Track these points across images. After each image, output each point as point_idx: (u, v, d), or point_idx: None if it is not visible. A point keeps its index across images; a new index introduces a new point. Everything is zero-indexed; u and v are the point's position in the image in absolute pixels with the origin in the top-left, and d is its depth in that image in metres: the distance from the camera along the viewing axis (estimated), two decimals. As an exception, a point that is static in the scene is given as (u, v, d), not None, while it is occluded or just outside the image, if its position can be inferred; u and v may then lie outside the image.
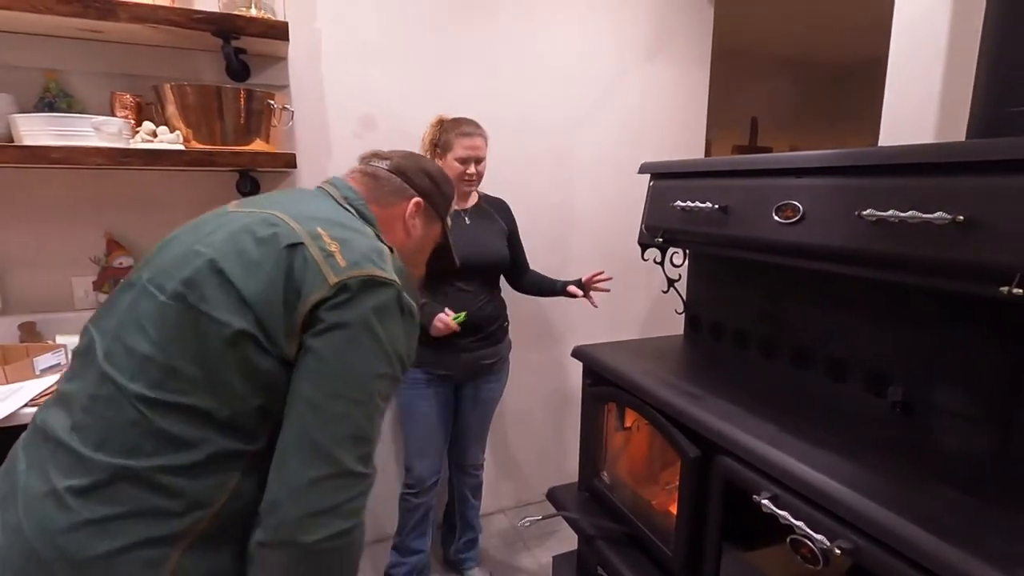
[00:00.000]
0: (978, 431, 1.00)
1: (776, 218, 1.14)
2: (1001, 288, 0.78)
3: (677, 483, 1.55)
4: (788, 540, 0.95)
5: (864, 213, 0.94)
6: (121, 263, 1.61)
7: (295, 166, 1.55)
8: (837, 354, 1.28)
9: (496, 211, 1.77)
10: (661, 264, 1.73)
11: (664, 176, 1.49)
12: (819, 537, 0.86)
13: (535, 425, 2.36)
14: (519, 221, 2.21)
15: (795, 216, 1.10)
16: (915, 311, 1.12)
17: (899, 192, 0.91)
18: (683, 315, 1.76)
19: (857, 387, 1.23)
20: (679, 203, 1.37)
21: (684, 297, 1.75)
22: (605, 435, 1.56)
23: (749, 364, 1.47)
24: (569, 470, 2.47)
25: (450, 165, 1.60)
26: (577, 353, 1.60)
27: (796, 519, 0.90)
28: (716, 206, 1.27)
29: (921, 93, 1.41)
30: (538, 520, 1.49)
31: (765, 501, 0.95)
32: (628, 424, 1.61)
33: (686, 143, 2.41)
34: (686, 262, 1.74)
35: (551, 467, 2.43)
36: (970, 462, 0.97)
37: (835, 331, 1.28)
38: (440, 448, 1.74)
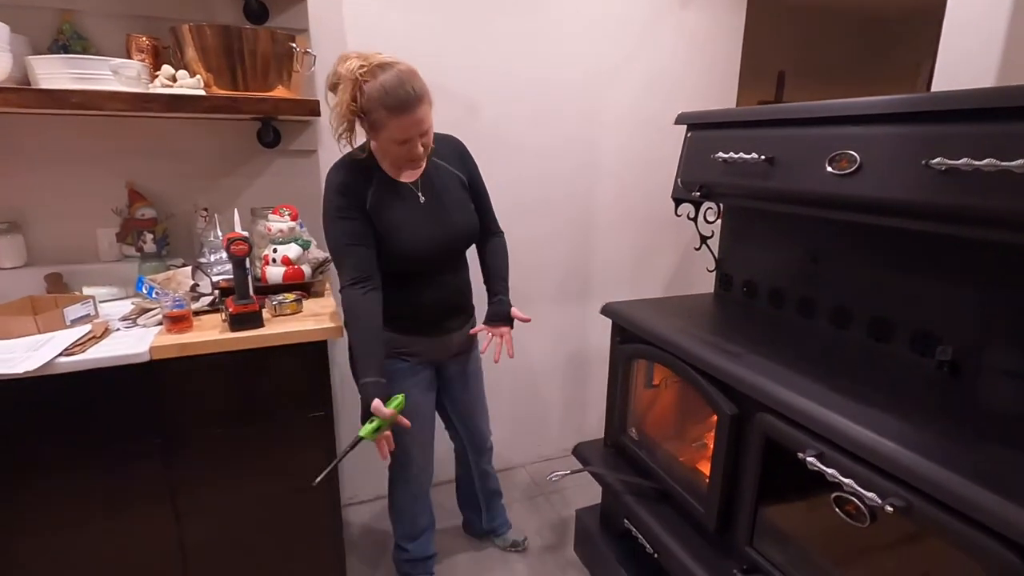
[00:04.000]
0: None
1: (829, 169, 1.08)
2: (1085, 241, 0.74)
3: (707, 440, 1.56)
4: (833, 497, 0.94)
5: (933, 162, 0.88)
6: (144, 214, 1.58)
7: (319, 114, 1.50)
8: (880, 313, 1.24)
9: (448, 160, 1.40)
10: (695, 220, 1.68)
11: (704, 127, 1.43)
12: (870, 495, 0.85)
13: (555, 383, 2.36)
14: (542, 184, 2.14)
15: (850, 167, 1.04)
16: (969, 267, 1.07)
17: (974, 139, 0.85)
18: (713, 273, 1.72)
19: (901, 347, 1.20)
20: (720, 155, 1.31)
21: (715, 254, 1.71)
22: (633, 392, 1.55)
23: (785, 323, 1.43)
24: (589, 428, 2.49)
25: (386, 146, 1.23)
26: (607, 310, 1.57)
27: (844, 477, 0.89)
28: (762, 157, 1.21)
29: (983, 34, 1.31)
30: (567, 474, 1.49)
31: (811, 459, 0.94)
32: (656, 382, 1.59)
33: (717, 97, 2.31)
34: (719, 219, 1.69)
35: (571, 424, 2.45)
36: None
37: (879, 289, 1.24)
38: (433, 435, 1.56)
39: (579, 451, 1.69)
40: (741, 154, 1.25)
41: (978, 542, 0.74)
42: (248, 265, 1.32)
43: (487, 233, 1.53)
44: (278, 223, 1.53)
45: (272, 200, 1.68)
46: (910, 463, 0.82)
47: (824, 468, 0.91)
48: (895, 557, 0.96)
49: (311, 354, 1.33)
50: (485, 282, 1.55)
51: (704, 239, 1.68)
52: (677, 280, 2.42)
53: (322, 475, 1.19)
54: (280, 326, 1.31)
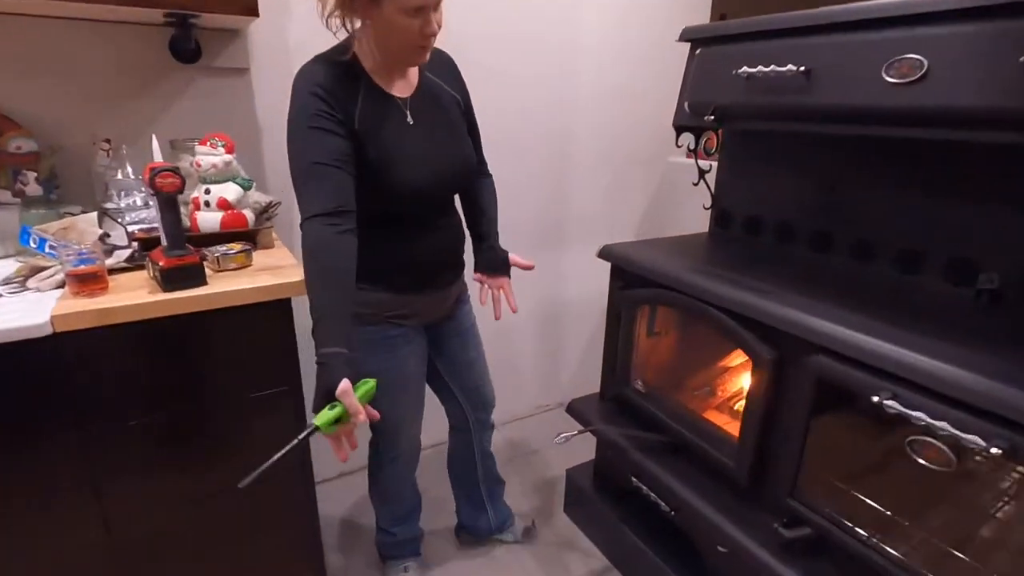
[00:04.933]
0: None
1: (887, 78, 0.95)
2: None
3: (716, 387, 1.47)
4: (908, 441, 0.85)
5: (1034, 58, 0.77)
6: (19, 147, 1.21)
7: (256, 13, 1.19)
8: (907, 243, 1.16)
9: (443, 77, 1.15)
10: (694, 152, 1.54)
11: (719, 40, 1.26)
12: (970, 437, 0.75)
13: (526, 337, 2.21)
14: (514, 118, 1.89)
15: (915, 73, 0.92)
16: (1008, 186, 1.00)
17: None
18: (708, 212, 1.61)
19: (933, 277, 1.13)
20: (745, 70, 1.15)
21: (711, 190, 1.58)
22: (636, 341, 1.42)
23: (798, 259, 1.34)
24: (564, 383, 2.37)
25: (391, 23, 0.95)
26: (606, 254, 1.41)
27: (936, 419, 0.79)
28: (800, 68, 1.06)
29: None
30: (573, 435, 1.36)
31: (890, 402, 0.84)
32: (658, 329, 1.47)
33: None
34: (716, 151, 1.56)
35: (545, 380, 2.32)
36: None
37: (907, 217, 1.16)
38: (423, 407, 1.35)
39: (575, 409, 1.55)
40: (774, 67, 1.10)
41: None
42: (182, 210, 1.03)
43: (480, 173, 1.31)
44: (209, 156, 1.22)
45: (194, 131, 1.35)
46: (1013, 399, 0.73)
47: (908, 411, 0.82)
48: (962, 499, 0.90)
49: (270, 316, 1.07)
50: (471, 227, 1.33)
51: (702, 173, 1.55)
52: (659, 222, 2.30)
53: (252, 476, 0.81)
54: (227, 283, 1.04)
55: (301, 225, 0.96)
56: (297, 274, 1.08)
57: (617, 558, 1.55)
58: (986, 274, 1.04)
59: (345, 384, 0.85)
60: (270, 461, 0.82)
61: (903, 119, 0.96)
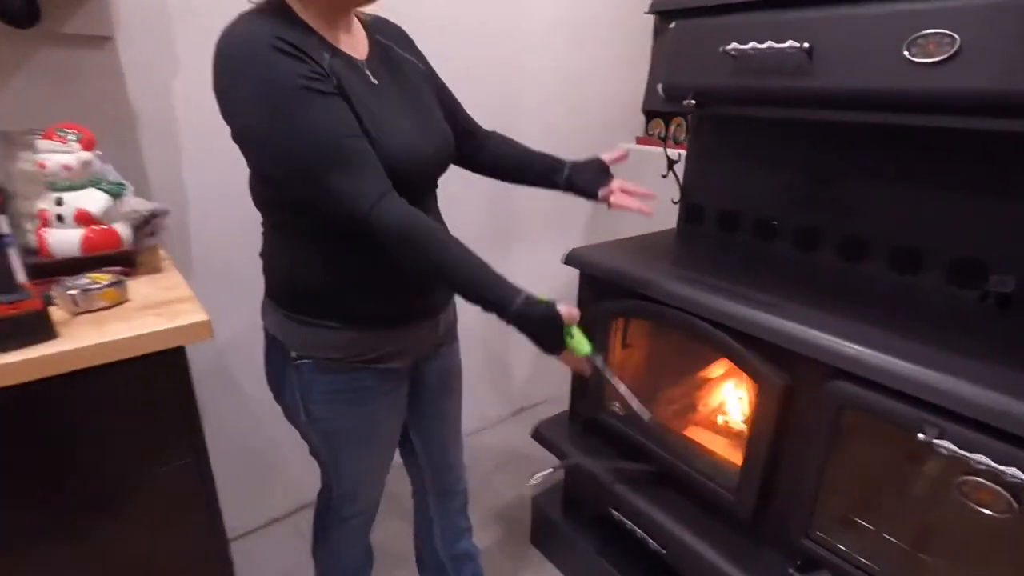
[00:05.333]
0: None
1: (908, 56, 0.82)
2: None
3: (695, 402, 1.34)
4: (958, 484, 0.74)
5: (1104, 34, 0.65)
6: None
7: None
8: (906, 240, 1.07)
9: (399, 45, 0.92)
10: (663, 140, 1.38)
11: (701, 12, 1.09)
12: (1047, 486, 0.64)
13: (474, 346, 1.99)
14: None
15: (944, 52, 0.79)
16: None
17: None
18: (678, 205, 1.46)
19: (934, 278, 1.04)
20: (735, 47, 1.00)
21: (680, 182, 1.44)
22: (611, 357, 1.25)
23: (781, 258, 1.22)
24: (515, 394, 2.20)
25: None
26: (574, 259, 1.23)
27: (1001, 464, 0.67)
28: (802, 46, 0.91)
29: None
30: (549, 473, 1.18)
31: (941, 442, 0.71)
32: (629, 341, 1.31)
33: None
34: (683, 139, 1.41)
35: (494, 392, 2.13)
36: None
37: (904, 212, 1.06)
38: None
39: (543, 436, 1.38)
40: (771, 43, 0.95)
41: None
42: (8, 231, 0.72)
43: (480, 134, 1.05)
44: (58, 154, 0.91)
45: (37, 119, 1.01)
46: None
47: (962, 453, 0.70)
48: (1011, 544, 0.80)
49: (158, 371, 0.80)
50: (540, 177, 1.06)
51: (671, 163, 1.39)
52: (614, 216, 2.14)
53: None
54: (89, 332, 0.75)
55: (368, 215, 0.71)
56: (197, 314, 0.81)
57: (595, 593, 1.40)
58: (998, 276, 0.95)
59: (564, 309, 0.79)
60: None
61: (927, 105, 0.83)
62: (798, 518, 0.93)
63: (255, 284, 0.94)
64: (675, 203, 1.45)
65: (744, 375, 1.18)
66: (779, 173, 1.23)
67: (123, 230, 0.98)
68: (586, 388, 1.30)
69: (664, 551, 1.15)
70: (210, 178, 1.26)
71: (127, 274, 0.92)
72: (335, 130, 0.71)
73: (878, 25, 0.85)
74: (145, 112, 1.18)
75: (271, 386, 0.96)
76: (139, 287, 0.91)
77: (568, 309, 0.80)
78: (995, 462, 0.67)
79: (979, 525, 0.75)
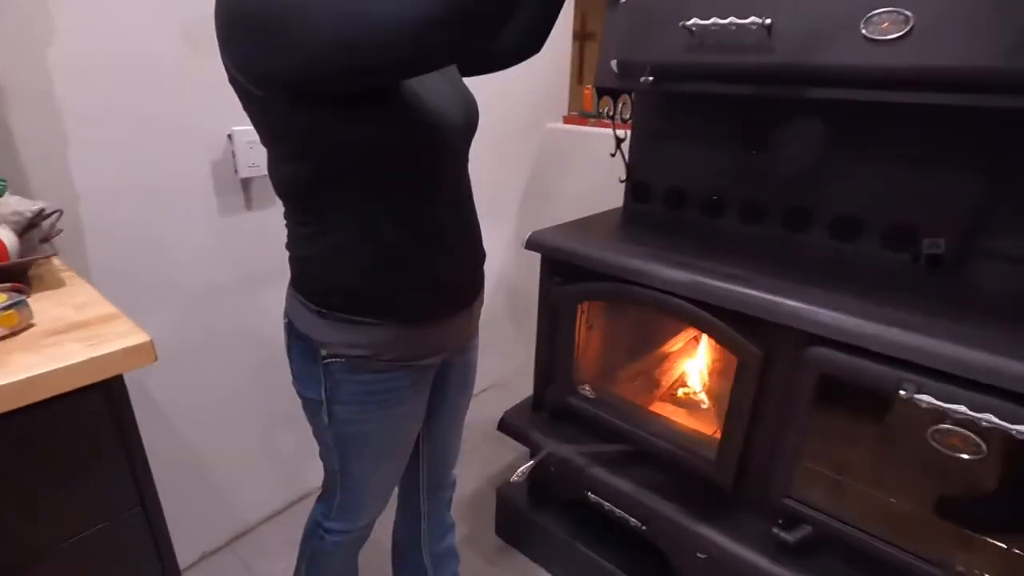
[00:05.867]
0: (1031, 274, 0.96)
1: (865, 33, 0.86)
2: None
3: (657, 377, 1.36)
4: (930, 433, 0.80)
5: (1047, 14, 0.71)
6: None
7: None
8: (845, 210, 1.14)
9: None
10: (612, 118, 1.37)
11: (654, -14, 1.08)
12: (1018, 427, 0.71)
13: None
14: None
15: (898, 30, 0.83)
16: (954, 151, 1.01)
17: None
18: (624, 184, 1.47)
19: (871, 244, 1.13)
20: (696, 22, 0.99)
21: (626, 160, 1.44)
22: (578, 342, 1.24)
23: (729, 232, 1.27)
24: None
25: None
26: (535, 243, 1.19)
27: (977, 412, 0.74)
28: (763, 21, 0.93)
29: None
30: (532, 466, 1.14)
31: (922, 396, 0.77)
32: (591, 323, 1.31)
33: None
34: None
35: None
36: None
37: (844, 184, 1.13)
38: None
39: (510, 425, 1.34)
40: (733, 19, 0.95)
41: None
42: None
43: None
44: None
45: None
46: (1056, 382, 0.69)
47: (946, 406, 0.75)
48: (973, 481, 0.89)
49: (89, 410, 0.65)
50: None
51: (619, 142, 1.39)
52: (543, 196, 2.11)
53: None
54: (-7, 369, 0.59)
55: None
56: (133, 334, 0.67)
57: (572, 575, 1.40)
58: (930, 239, 1.05)
59: None
60: None
61: (882, 81, 0.88)
62: (778, 481, 0.98)
63: (169, 285, 0.81)
64: (622, 182, 1.45)
65: (714, 347, 1.21)
66: (724, 149, 1.27)
67: (6, 236, 0.79)
68: (554, 375, 1.27)
69: (644, 526, 1.17)
70: (103, 166, 1.06)
71: (21, 291, 0.74)
72: None
73: (836, 2, 0.88)
74: (14, 88, 0.96)
75: (295, 377, 0.87)
76: (41, 307, 0.73)
77: None
78: (971, 410, 0.74)
79: (948, 469, 0.83)
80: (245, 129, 1.21)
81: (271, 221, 1.33)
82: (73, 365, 0.61)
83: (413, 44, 0.56)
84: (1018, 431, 0.71)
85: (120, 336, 0.67)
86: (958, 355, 0.75)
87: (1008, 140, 0.95)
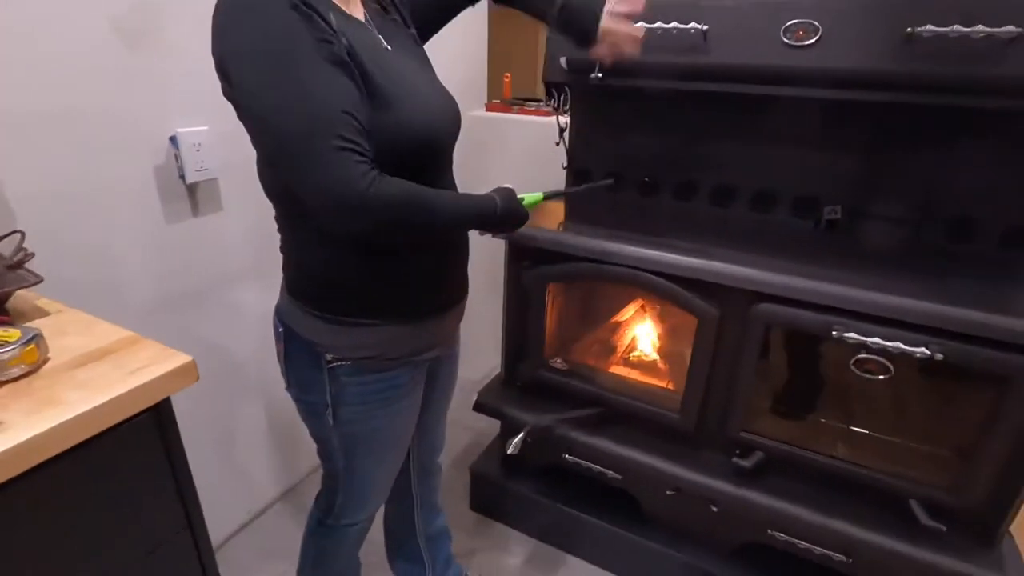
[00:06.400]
0: (905, 228, 1.21)
1: (784, 39, 1.03)
2: (1046, 98, 0.89)
3: (613, 342, 1.50)
4: (853, 362, 1.01)
5: (920, 29, 0.92)
6: None
7: None
8: (761, 186, 1.34)
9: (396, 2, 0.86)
10: (556, 110, 1.46)
11: (599, -11, 1.17)
12: (918, 349, 0.93)
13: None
14: None
15: (811, 37, 1.01)
16: (847, 135, 1.23)
17: (958, 6, 0.90)
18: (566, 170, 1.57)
19: (783, 214, 1.34)
20: (641, 25, 1.11)
21: (568, 148, 1.55)
22: (548, 320, 1.34)
23: (664, 210, 1.43)
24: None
25: None
26: (504, 231, 1.26)
27: (888, 341, 0.95)
28: (702, 27, 1.07)
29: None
30: (523, 438, 1.23)
31: (850, 335, 0.97)
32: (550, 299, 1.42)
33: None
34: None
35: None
36: (902, 253, 1.17)
37: (760, 164, 1.33)
38: None
39: (486, 405, 1.42)
40: (676, 24, 1.08)
41: (1007, 361, 0.90)
42: None
43: None
44: None
45: None
46: (942, 312, 0.92)
47: (866, 340, 0.96)
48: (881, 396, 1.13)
49: (137, 437, 0.63)
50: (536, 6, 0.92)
51: (562, 131, 1.49)
52: (472, 180, 2.15)
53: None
54: (34, 409, 0.56)
55: (367, 192, 0.64)
56: (168, 355, 0.66)
57: (550, 533, 1.52)
58: (830, 207, 1.27)
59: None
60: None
61: (796, 80, 1.06)
62: (734, 419, 1.16)
63: (117, 300, 0.78)
64: (564, 168, 1.56)
65: (665, 312, 1.37)
66: (658, 135, 1.42)
67: (-24, 266, 0.72)
68: (526, 352, 1.37)
69: (620, 477, 1.32)
70: (31, 174, 0.97)
71: (7, 324, 0.69)
72: (335, 103, 0.63)
73: (761, 12, 1.04)
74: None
75: (292, 383, 0.88)
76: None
77: (509, 185, 0.88)
78: (884, 340, 0.95)
79: (865, 390, 1.05)
80: (191, 131, 1.14)
81: (220, 227, 1.27)
82: (125, 394, 0.60)
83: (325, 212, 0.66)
84: (919, 352, 0.93)
85: (157, 359, 0.65)
86: (872, 299, 0.95)
87: (886, 125, 1.18)
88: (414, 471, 1.15)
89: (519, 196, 0.87)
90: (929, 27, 0.91)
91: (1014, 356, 0.89)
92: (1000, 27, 0.87)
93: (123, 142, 1.07)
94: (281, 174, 0.69)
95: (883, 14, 0.95)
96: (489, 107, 2.14)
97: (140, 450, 0.64)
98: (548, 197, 0.93)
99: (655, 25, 1.10)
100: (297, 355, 0.85)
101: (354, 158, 0.63)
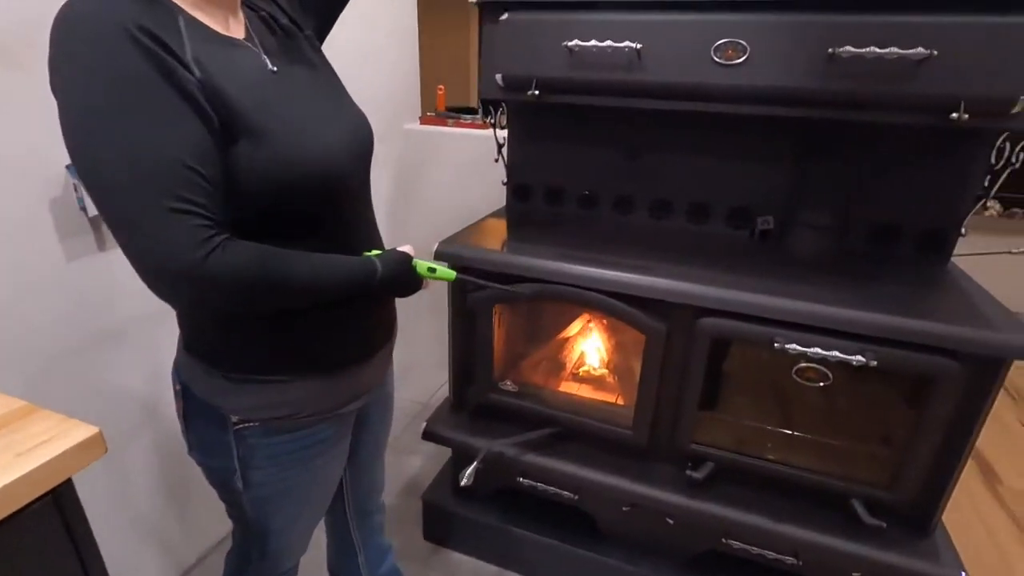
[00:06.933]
0: (829, 236, 1.27)
1: (715, 58, 1.05)
2: (952, 115, 0.95)
3: (561, 359, 1.49)
4: (795, 371, 1.04)
5: (840, 50, 0.95)
6: None
7: None
8: (698, 198, 1.37)
9: (281, 3, 0.79)
10: (494, 126, 1.43)
11: (531, 7, 1.16)
12: (855, 357, 0.96)
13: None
14: None
15: (739, 56, 1.04)
16: (776, 149, 1.27)
17: (874, 29, 0.95)
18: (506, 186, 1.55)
19: (718, 225, 1.37)
20: (576, 42, 1.10)
21: (507, 164, 1.52)
22: (495, 341, 1.31)
23: (604, 224, 1.43)
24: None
25: None
26: (448, 255, 1.22)
27: (828, 351, 0.98)
28: (635, 46, 1.07)
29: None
30: (476, 467, 1.19)
31: (791, 345, 0.99)
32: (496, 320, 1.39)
33: None
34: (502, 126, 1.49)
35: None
36: (830, 259, 1.22)
37: (696, 177, 1.36)
38: None
39: (436, 434, 1.36)
40: (610, 42, 1.08)
41: (932, 363, 0.95)
42: None
43: None
44: None
45: None
46: (874, 320, 0.96)
47: (806, 350, 0.99)
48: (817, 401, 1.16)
49: (35, 523, 0.55)
50: None
51: (500, 147, 1.46)
52: (409, 197, 2.09)
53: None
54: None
55: (205, 261, 0.56)
56: (70, 427, 0.57)
57: (508, 559, 1.49)
58: (763, 217, 1.32)
59: (406, 248, 0.81)
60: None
61: (727, 97, 1.08)
62: (684, 432, 1.17)
63: (17, 352, 0.68)
64: (504, 184, 1.53)
65: (612, 328, 1.37)
66: (596, 150, 1.42)
67: None
68: (474, 375, 1.33)
69: (576, 496, 1.30)
70: None
71: None
72: (172, 151, 0.55)
73: (692, 32, 1.06)
74: None
75: (193, 446, 0.79)
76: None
77: (407, 247, 0.81)
78: (823, 350, 0.98)
79: (806, 396, 1.08)
80: (92, 158, 1.03)
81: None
82: (16, 481, 0.51)
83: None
84: (856, 360, 0.96)
85: (56, 432, 0.57)
86: (811, 310, 0.98)
87: (810, 140, 1.23)
88: (352, 517, 1.07)
89: (430, 265, 0.81)
90: (848, 48, 0.95)
91: (938, 358, 0.94)
92: (911, 49, 0.92)
93: (9, 173, 0.95)
94: (115, 236, 0.57)
95: (806, 35, 0.99)
96: (424, 120, 2.09)
97: (38, 540, 0.55)
98: (460, 280, 0.87)
99: (590, 43, 1.09)
100: (198, 416, 0.76)
101: (191, 221, 0.55)
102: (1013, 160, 1.08)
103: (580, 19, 1.12)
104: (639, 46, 1.07)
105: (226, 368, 0.71)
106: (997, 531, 1.68)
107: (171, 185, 0.54)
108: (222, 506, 0.85)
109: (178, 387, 0.77)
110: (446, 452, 1.71)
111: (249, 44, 0.68)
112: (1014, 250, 1.22)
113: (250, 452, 0.75)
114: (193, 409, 0.76)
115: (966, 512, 1.74)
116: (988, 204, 1.14)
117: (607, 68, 1.12)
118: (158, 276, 0.57)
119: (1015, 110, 0.94)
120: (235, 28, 0.68)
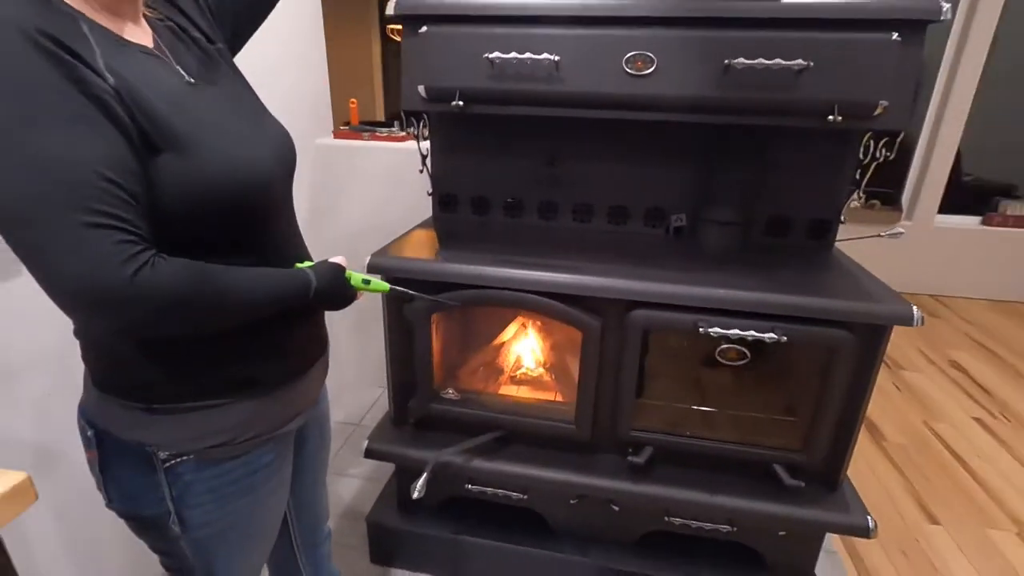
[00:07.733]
0: (735, 230, 1.39)
1: (627, 69, 1.13)
2: (828, 117, 1.09)
3: (497, 364, 1.51)
4: (717, 352, 1.14)
5: (735, 61, 1.07)
6: None
7: None
8: (616, 201, 1.46)
9: (187, 9, 0.74)
10: (417, 138, 1.44)
11: (451, 21, 1.18)
12: (769, 335, 1.07)
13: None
14: None
15: (648, 68, 1.13)
16: (684, 153, 1.39)
17: (763, 43, 1.07)
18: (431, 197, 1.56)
19: (636, 225, 1.47)
20: (498, 55, 1.15)
21: (431, 174, 1.53)
22: (434, 351, 1.30)
23: (530, 229, 1.48)
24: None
25: None
26: (380, 267, 1.21)
27: (745, 331, 1.08)
28: (553, 58, 1.13)
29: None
30: (426, 478, 1.17)
31: (713, 329, 1.09)
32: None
33: None
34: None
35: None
36: (737, 250, 1.35)
37: (614, 181, 1.44)
38: None
39: (378, 451, 1.33)
40: (530, 55, 1.13)
41: (830, 335, 1.07)
42: None
43: None
44: None
45: None
46: (782, 300, 1.07)
47: (727, 332, 1.08)
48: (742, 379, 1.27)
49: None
50: None
51: (424, 158, 1.47)
52: (327, 211, 2.03)
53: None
54: None
55: (134, 279, 0.52)
56: (3, 476, 0.51)
57: (459, 568, 1.47)
58: (676, 216, 1.42)
59: (338, 259, 0.79)
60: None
61: (637, 105, 1.17)
62: (623, 421, 1.24)
63: None
64: (429, 195, 1.54)
65: (548, 328, 1.42)
66: (519, 159, 1.47)
67: None
68: (413, 387, 1.32)
69: (525, 496, 1.33)
70: None
71: None
72: (91, 163, 0.51)
73: (605, 45, 1.13)
74: None
75: (114, 498, 0.71)
76: None
77: (340, 259, 0.80)
78: (741, 331, 1.08)
79: (728, 377, 1.18)
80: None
81: (18, 296, 1.04)
82: (-64, 540, 0.46)
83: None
84: (769, 336, 1.07)
85: (-24, 484, 0.51)
86: (729, 296, 1.08)
87: (713, 143, 1.35)
88: (299, 548, 1.02)
89: (364, 276, 0.82)
90: (741, 60, 1.06)
91: (835, 330, 1.07)
92: (792, 60, 1.05)
93: None
94: (27, 263, 0.52)
95: (705, 48, 1.09)
96: (337, 134, 2.04)
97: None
98: (394, 293, 0.91)
99: (511, 55, 1.14)
100: (118, 461, 0.70)
101: (114, 236, 0.51)
102: (877, 156, 1.26)
103: (500, 32, 1.16)
104: (557, 58, 1.13)
105: (150, 399, 0.66)
106: (886, 479, 1.91)
107: (87, 198, 0.50)
108: (144, 564, 0.78)
109: (89, 433, 0.70)
110: (384, 471, 1.68)
111: (159, 54, 0.65)
112: (882, 233, 1.42)
113: (186, 489, 0.70)
114: (110, 455, 0.70)
115: (859, 465, 1.97)
116: (858, 195, 1.32)
117: (527, 79, 1.17)
118: (78, 298, 0.52)
119: (876, 113, 1.09)
120: (141, 36, 0.64)
